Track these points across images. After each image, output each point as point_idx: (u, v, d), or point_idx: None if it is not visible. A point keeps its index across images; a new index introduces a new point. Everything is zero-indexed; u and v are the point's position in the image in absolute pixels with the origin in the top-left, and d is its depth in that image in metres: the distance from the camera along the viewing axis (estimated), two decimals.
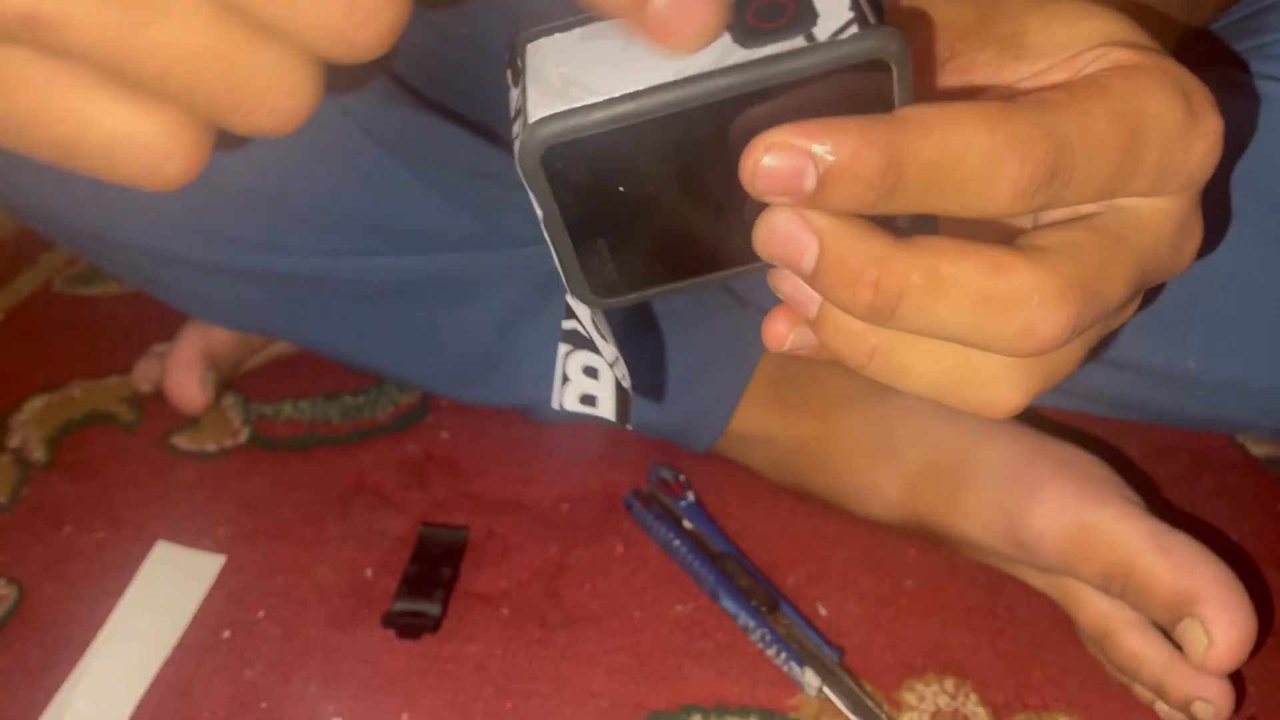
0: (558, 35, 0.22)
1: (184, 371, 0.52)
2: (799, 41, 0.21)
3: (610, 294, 0.24)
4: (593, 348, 0.25)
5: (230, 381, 0.56)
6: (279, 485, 0.51)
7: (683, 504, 0.49)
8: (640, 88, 0.21)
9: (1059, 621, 0.44)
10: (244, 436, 0.54)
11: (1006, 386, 0.23)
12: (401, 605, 0.44)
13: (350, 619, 0.45)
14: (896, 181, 0.20)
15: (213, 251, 0.44)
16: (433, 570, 0.46)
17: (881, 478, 0.46)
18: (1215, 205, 0.37)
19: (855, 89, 0.21)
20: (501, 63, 0.23)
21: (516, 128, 0.22)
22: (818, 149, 0.19)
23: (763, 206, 0.21)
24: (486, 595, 0.46)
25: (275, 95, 0.18)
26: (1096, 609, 0.41)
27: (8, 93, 0.18)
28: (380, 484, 0.51)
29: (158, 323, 0.57)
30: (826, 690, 0.41)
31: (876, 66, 0.20)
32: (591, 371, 0.26)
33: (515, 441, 0.54)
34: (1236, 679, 0.40)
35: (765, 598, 0.45)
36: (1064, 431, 0.47)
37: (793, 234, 0.20)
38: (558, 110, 0.21)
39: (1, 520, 0.49)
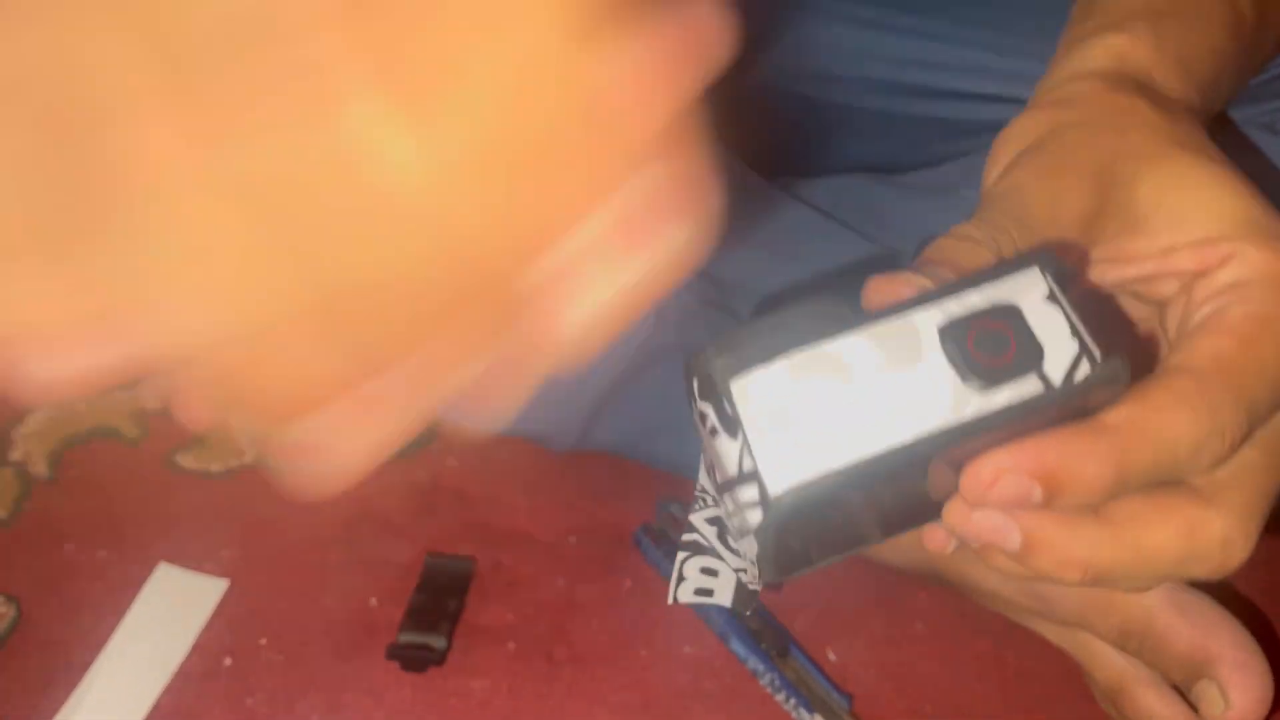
0: (759, 371, 0.20)
1: (191, 386, 0.52)
2: (1034, 383, 0.20)
3: (790, 571, 0.24)
4: (715, 555, 0.26)
5: None
6: (284, 509, 0.50)
7: None
8: (881, 449, 0.20)
9: (1070, 674, 0.44)
10: (250, 457, 0.53)
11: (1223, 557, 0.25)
12: (406, 637, 0.44)
13: (354, 649, 0.44)
14: (1119, 487, 0.22)
15: None
16: (438, 602, 0.45)
17: None
18: None
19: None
20: (685, 388, 0.22)
21: (747, 493, 0.20)
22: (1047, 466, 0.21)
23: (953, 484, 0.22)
24: (492, 629, 0.45)
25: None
26: (1113, 665, 0.40)
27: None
28: (386, 510, 0.51)
29: None
30: None
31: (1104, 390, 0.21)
32: (711, 572, 0.26)
33: (524, 470, 0.53)
34: None
35: (775, 641, 0.44)
36: None
37: (999, 527, 0.22)
38: (801, 482, 0.20)
39: (1, 535, 0.48)
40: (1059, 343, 0.20)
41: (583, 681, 0.44)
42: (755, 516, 0.20)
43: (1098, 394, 0.21)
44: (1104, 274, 0.26)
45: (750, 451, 0.20)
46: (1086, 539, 0.23)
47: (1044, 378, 0.20)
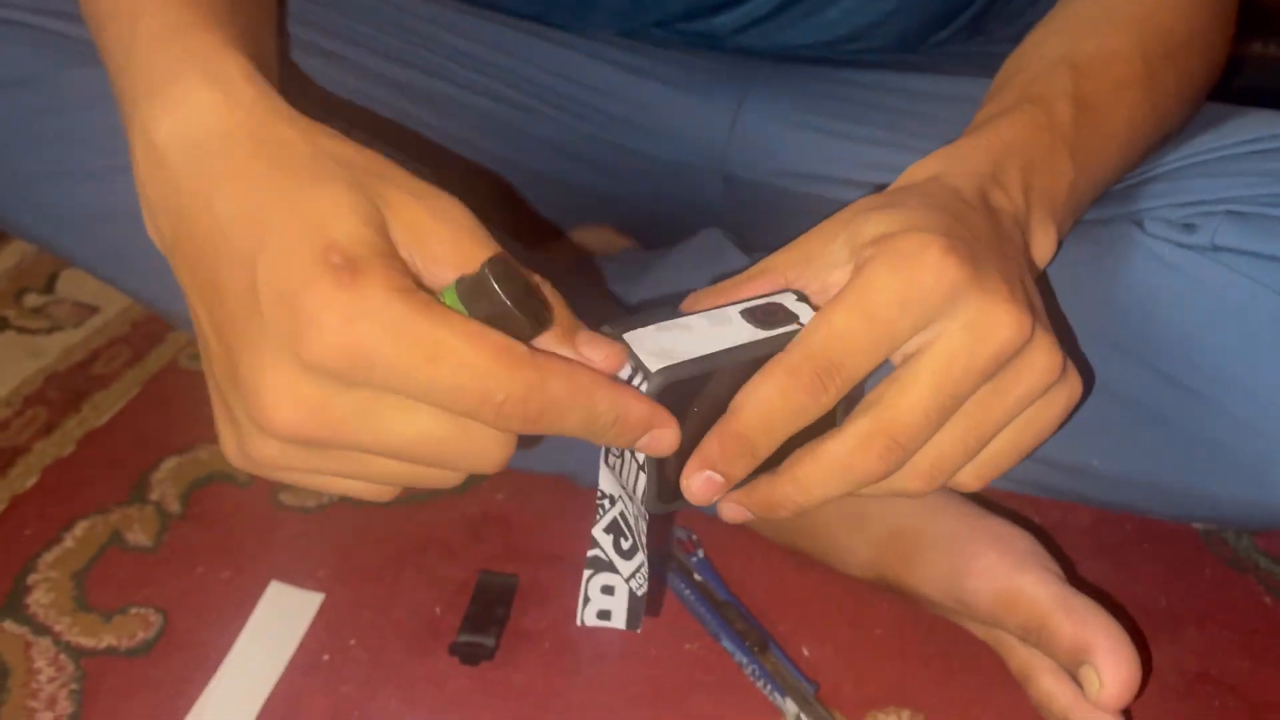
0: (640, 329, 0.34)
1: None
2: (792, 327, 0.34)
3: (668, 501, 0.36)
4: (612, 569, 0.37)
5: None
6: (365, 536, 0.62)
7: (693, 559, 0.60)
8: (714, 350, 0.34)
9: (1001, 671, 0.53)
10: (336, 495, 0.65)
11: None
12: (464, 638, 0.55)
13: (423, 648, 0.55)
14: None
15: None
16: (489, 610, 0.57)
17: (855, 543, 0.56)
18: (1103, 338, 0.46)
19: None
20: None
21: (638, 379, 0.33)
22: None
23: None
24: (532, 632, 0.56)
25: (450, 482, 0.32)
26: (1020, 656, 0.50)
27: (300, 479, 0.32)
28: (446, 537, 0.63)
29: None
30: (803, 716, 0.51)
31: None
32: (609, 590, 0.37)
33: (559, 503, 0.64)
34: (1131, 717, 0.49)
35: (758, 639, 0.55)
36: (1006, 511, 0.56)
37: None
38: (664, 365, 0.33)
39: (149, 560, 0.61)
40: (804, 315, 0.35)
41: (604, 675, 0.54)
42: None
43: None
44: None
45: (637, 358, 0.33)
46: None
47: (798, 326, 0.34)
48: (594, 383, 0.31)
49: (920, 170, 0.39)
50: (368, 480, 0.32)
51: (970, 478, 0.36)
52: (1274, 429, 0.44)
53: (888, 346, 0.33)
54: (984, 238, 0.35)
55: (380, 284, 0.28)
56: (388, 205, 0.30)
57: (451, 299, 0.30)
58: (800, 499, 0.35)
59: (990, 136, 0.40)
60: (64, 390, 0.73)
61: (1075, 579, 0.50)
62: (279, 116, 0.33)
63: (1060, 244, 0.42)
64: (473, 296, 0.29)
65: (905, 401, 0.33)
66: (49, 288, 0.84)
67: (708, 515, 0.62)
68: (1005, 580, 0.49)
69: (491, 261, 0.29)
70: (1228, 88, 0.53)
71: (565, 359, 0.31)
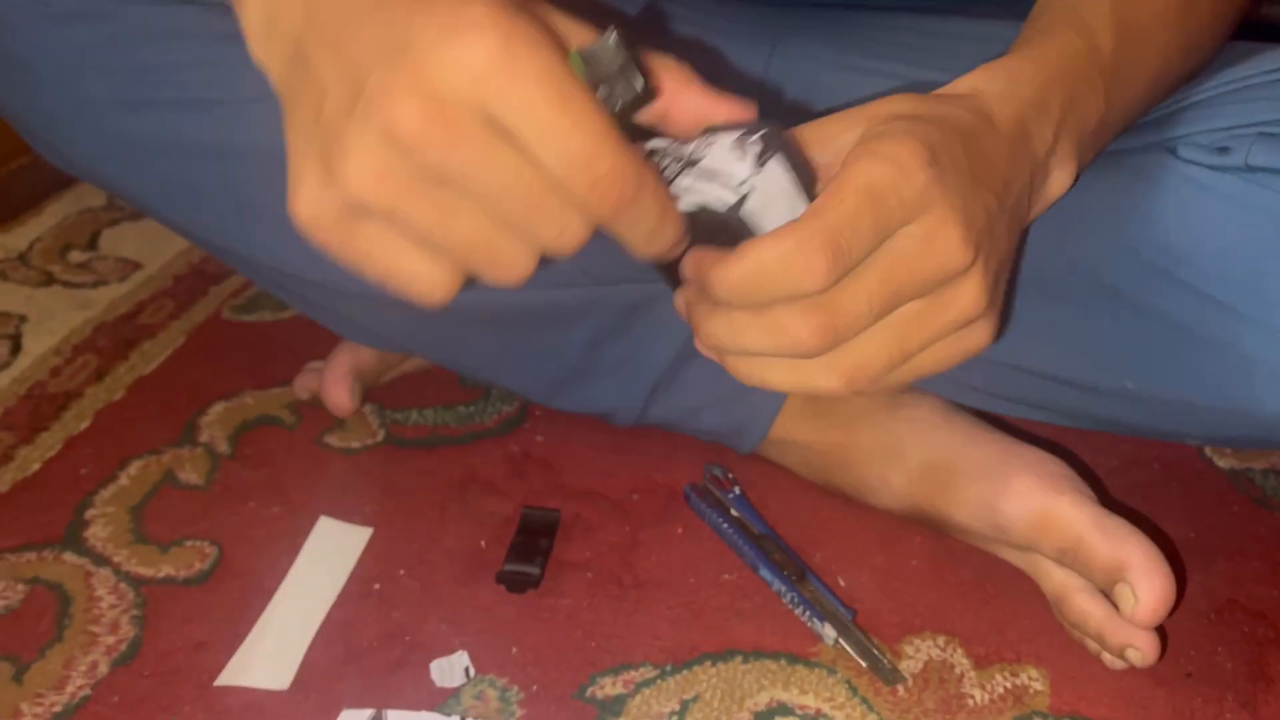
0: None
1: (337, 383, 0.66)
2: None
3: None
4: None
5: (370, 392, 0.70)
6: (410, 475, 0.64)
7: (730, 496, 0.61)
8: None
9: (1033, 597, 0.55)
10: (381, 436, 0.67)
11: None
12: (510, 567, 0.57)
13: (470, 578, 0.57)
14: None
15: (369, 283, 0.57)
16: (533, 541, 0.58)
17: (891, 475, 0.57)
18: (1140, 260, 0.47)
19: None
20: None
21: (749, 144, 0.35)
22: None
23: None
24: (575, 562, 0.58)
25: (517, 267, 0.31)
26: (1055, 578, 0.51)
27: (365, 245, 0.31)
28: (489, 476, 0.64)
29: (309, 343, 0.71)
30: (841, 641, 0.53)
31: None
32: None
33: (596, 442, 0.66)
34: (1166, 636, 0.50)
35: (795, 569, 0.56)
36: (1041, 440, 0.58)
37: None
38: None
39: (201, 497, 0.62)
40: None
41: (645, 601, 0.56)
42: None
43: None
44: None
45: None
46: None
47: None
48: (665, 197, 0.32)
49: (963, 83, 0.40)
50: (436, 247, 0.31)
51: (874, 388, 0.38)
52: None
53: (874, 238, 0.35)
54: (970, 162, 0.37)
55: (537, 30, 0.30)
56: None
57: (576, 63, 0.31)
58: (721, 331, 0.37)
59: (1038, 63, 0.41)
60: (112, 339, 0.75)
61: (1108, 501, 0.52)
62: None
63: (1078, 177, 0.43)
64: (596, 59, 0.31)
65: (853, 286, 0.35)
66: (92, 244, 0.86)
67: (742, 456, 0.63)
68: (1041, 502, 0.51)
69: (616, 27, 0.31)
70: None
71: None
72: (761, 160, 0.34)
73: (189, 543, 0.59)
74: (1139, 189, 0.48)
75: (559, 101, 0.29)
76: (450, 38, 0.29)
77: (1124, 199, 0.48)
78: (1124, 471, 0.65)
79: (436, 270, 0.31)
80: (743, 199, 0.34)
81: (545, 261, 0.32)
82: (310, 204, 0.31)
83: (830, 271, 0.33)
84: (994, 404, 0.57)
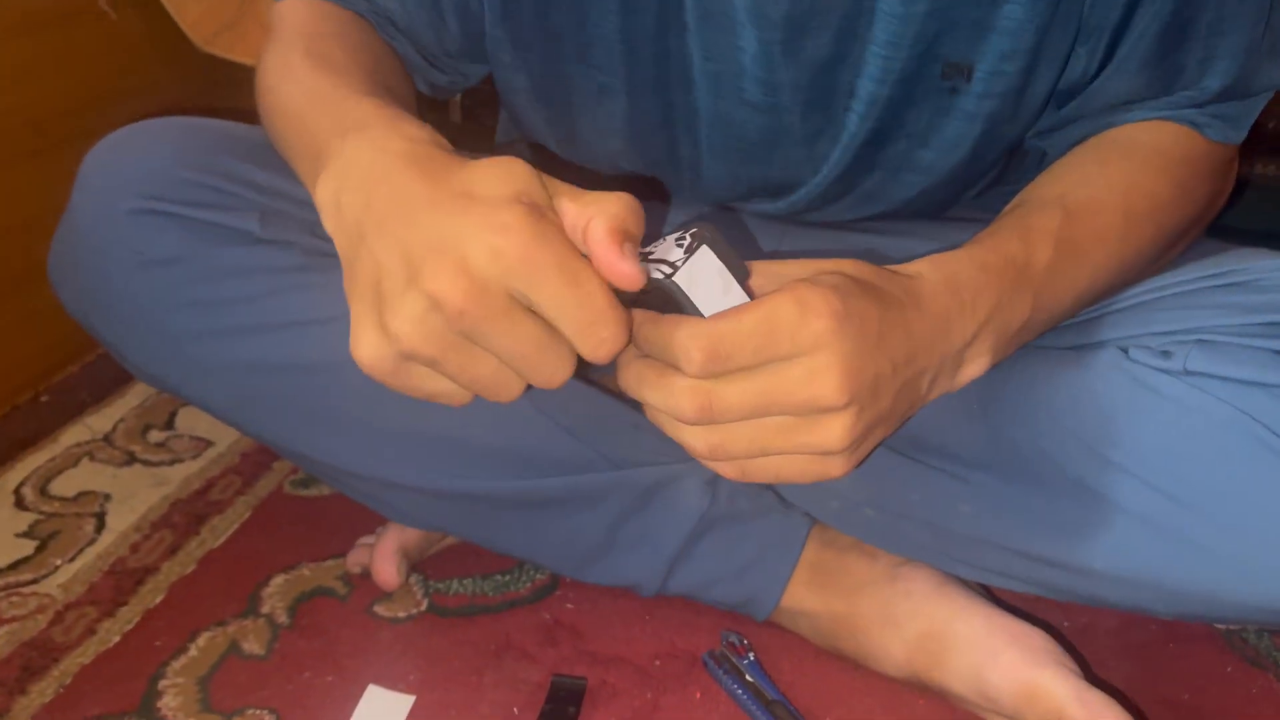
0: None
1: (386, 559, 0.72)
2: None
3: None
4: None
5: (415, 565, 0.76)
6: (451, 643, 0.70)
7: (745, 662, 0.66)
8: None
9: None
10: (424, 606, 0.73)
11: None
12: None
13: None
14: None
15: (416, 479, 0.64)
16: (562, 710, 0.63)
17: (890, 645, 0.62)
18: (1094, 452, 0.53)
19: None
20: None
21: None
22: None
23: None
24: None
25: (514, 394, 0.41)
26: None
27: (407, 380, 0.41)
28: (522, 643, 0.69)
29: (362, 519, 0.78)
30: None
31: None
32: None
33: (622, 609, 0.71)
34: None
35: None
36: (1034, 615, 0.62)
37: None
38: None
39: (262, 666, 0.68)
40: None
41: None
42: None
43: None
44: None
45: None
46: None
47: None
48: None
49: (912, 266, 0.47)
50: (459, 380, 0.41)
51: (732, 469, 0.46)
52: (1257, 534, 0.50)
53: (755, 356, 0.43)
54: (880, 328, 0.45)
55: (554, 229, 0.40)
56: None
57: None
58: (631, 380, 0.45)
59: (979, 265, 0.49)
60: (186, 515, 0.82)
61: (1091, 676, 0.55)
62: (445, 148, 0.45)
63: (990, 368, 0.51)
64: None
65: (738, 385, 0.43)
66: (169, 424, 0.95)
67: (758, 624, 0.68)
68: (1026, 675, 0.55)
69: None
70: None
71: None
72: (690, 250, 0.43)
73: (250, 710, 0.65)
74: (1097, 387, 0.53)
75: (573, 284, 0.39)
76: (488, 235, 0.39)
77: (1083, 395, 0.54)
78: (1122, 631, 0.69)
79: (458, 394, 0.42)
80: (674, 272, 0.43)
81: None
82: (370, 352, 0.41)
83: (703, 366, 0.42)
84: (985, 577, 0.61)
